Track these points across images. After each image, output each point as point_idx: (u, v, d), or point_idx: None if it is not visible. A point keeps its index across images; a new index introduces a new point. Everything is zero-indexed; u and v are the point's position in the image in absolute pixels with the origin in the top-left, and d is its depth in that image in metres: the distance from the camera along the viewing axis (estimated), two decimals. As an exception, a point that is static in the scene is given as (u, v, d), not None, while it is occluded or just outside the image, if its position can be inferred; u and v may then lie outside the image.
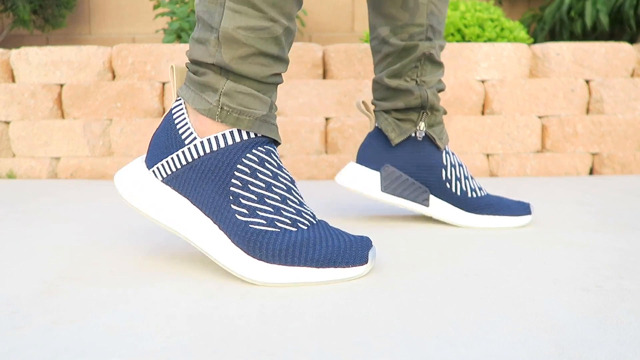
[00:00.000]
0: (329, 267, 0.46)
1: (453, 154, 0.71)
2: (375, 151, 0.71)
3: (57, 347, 0.33)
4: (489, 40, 1.36)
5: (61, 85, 1.31)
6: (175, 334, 0.35)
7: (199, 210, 0.47)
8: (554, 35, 1.75)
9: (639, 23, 1.56)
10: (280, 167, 0.48)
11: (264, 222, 0.45)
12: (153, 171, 0.49)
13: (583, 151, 1.29)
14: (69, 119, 1.30)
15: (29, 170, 1.31)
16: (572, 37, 1.70)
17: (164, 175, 0.48)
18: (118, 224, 0.73)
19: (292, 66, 1.29)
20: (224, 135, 0.46)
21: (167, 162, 0.48)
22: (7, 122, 1.32)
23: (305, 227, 0.47)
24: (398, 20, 0.67)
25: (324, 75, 1.33)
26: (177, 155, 0.47)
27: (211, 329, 0.36)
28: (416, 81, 0.69)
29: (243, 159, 0.46)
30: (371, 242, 0.49)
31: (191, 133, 0.47)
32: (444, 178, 0.69)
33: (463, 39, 1.37)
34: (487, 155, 1.30)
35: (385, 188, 0.69)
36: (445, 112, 0.72)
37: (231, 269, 0.46)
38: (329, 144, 1.29)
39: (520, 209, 0.69)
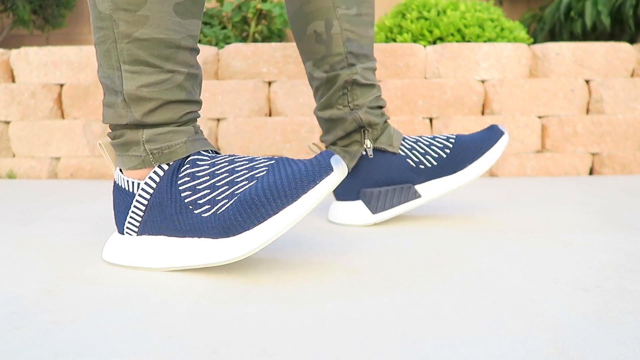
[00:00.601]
0: (299, 196, 0.44)
1: (405, 138, 0.72)
2: (344, 184, 0.72)
3: (57, 347, 0.33)
4: (489, 40, 1.36)
5: (61, 85, 1.31)
6: (175, 334, 0.35)
7: (177, 237, 0.49)
8: (554, 35, 1.75)
9: (639, 23, 1.56)
10: (213, 157, 0.50)
11: (227, 201, 0.46)
12: (126, 232, 0.52)
13: (583, 151, 1.29)
14: (69, 119, 1.30)
15: (29, 170, 1.31)
16: (572, 37, 1.70)
17: (135, 230, 0.51)
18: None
19: (292, 66, 1.29)
20: (160, 167, 0.50)
21: (130, 217, 0.51)
22: (7, 122, 1.32)
23: (264, 172, 0.47)
24: (317, 54, 0.69)
25: (324, 75, 1.33)
26: (134, 206, 0.50)
27: (211, 329, 0.36)
28: (349, 107, 0.70)
29: (179, 175, 0.49)
30: (332, 152, 0.47)
31: (134, 182, 0.50)
32: (414, 164, 0.70)
33: (463, 39, 1.37)
34: (487, 155, 1.30)
35: (374, 210, 0.70)
36: (388, 118, 0.72)
37: (226, 258, 0.46)
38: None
39: (494, 136, 0.70)
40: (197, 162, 0.49)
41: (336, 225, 0.71)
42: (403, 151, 0.70)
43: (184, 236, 0.48)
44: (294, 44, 1.29)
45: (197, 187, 0.48)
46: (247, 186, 0.46)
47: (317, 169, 0.45)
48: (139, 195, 0.50)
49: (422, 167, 0.70)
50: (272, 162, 0.48)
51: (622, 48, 1.29)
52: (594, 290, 0.44)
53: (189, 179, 0.48)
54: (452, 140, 0.70)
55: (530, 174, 1.29)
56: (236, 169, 0.48)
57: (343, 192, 0.73)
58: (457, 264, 0.52)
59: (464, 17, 1.37)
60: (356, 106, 0.70)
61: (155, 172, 0.49)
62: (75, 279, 0.47)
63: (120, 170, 0.52)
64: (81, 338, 0.35)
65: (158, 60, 0.48)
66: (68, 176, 1.31)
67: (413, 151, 0.70)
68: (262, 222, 0.45)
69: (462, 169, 0.69)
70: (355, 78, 0.68)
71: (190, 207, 0.47)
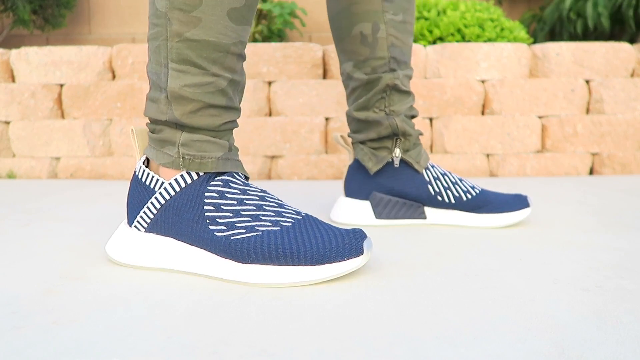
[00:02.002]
0: (324, 263, 0.45)
1: (434, 166, 0.72)
2: (359, 182, 0.72)
3: (57, 347, 0.33)
4: (489, 40, 1.36)
5: (61, 85, 1.31)
6: (175, 334, 0.35)
7: (184, 243, 0.49)
8: (554, 35, 1.75)
9: (638, 23, 1.56)
10: (246, 184, 0.50)
11: (244, 231, 0.47)
12: (135, 226, 0.52)
13: (583, 151, 1.29)
14: (69, 119, 1.30)
15: (29, 170, 1.31)
16: (572, 37, 1.70)
17: (145, 226, 0.51)
18: (118, 224, 0.73)
19: (292, 66, 1.29)
20: (189, 173, 0.49)
21: (144, 212, 0.51)
22: (7, 122, 1.32)
23: (289, 224, 0.48)
24: (360, 56, 0.69)
25: (324, 75, 1.33)
26: (151, 203, 0.50)
27: (211, 329, 0.36)
28: (385, 111, 0.70)
29: (209, 187, 0.49)
30: (364, 233, 0.48)
31: (158, 180, 0.50)
32: (433, 193, 0.70)
33: (463, 39, 1.37)
34: (487, 155, 1.30)
35: (379, 215, 0.71)
36: (421, 134, 0.72)
37: (229, 278, 0.46)
38: (329, 144, 1.29)
39: (519, 203, 0.70)
40: (230, 184, 0.49)
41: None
42: (427, 176, 0.71)
43: (192, 244, 0.49)
44: (294, 44, 1.29)
45: (221, 207, 0.48)
46: (269, 228, 0.47)
47: (348, 246, 0.46)
48: (160, 193, 0.50)
49: (439, 198, 0.70)
50: (300, 217, 0.49)
51: (622, 48, 1.29)
52: (594, 290, 0.44)
53: (217, 195, 0.49)
54: (477, 191, 0.71)
55: (530, 174, 1.29)
56: (264, 206, 0.49)
57: (355, 190, 0.73)
58: (457, 264, 0.52)
59: (464, 17, 1.37)
60: (392, 112, 0.70)
61: (182, 177, 0.49)
62: (75, 279, 0.47)
63: (144, 164, 0.53)
64: (81, 338, 0.35)
65: (205, 62, 0.48)
66: (68, 176, 1.31)
67: (437, 181, 0.70)
68: (275, 265, 0.46)
69: (477, 212, 0.70)
70: (396, 83, 0.69)
71: (208, 221, 0.48)
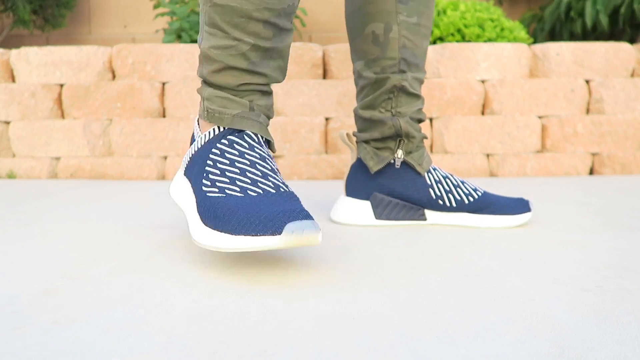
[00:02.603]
0: (239, 234, 0.44)
1: (435, 169, 0.72)
2: (360, 181, 0.72)
3: (57, 347, 0.33)
4: (489, 40, 1.36)
5: (61, 85, 1.31)
6: (175, 334, 0.35)
7: (191, 189, 0.54)
8: (554, 35, 1.75)
9: (636, 25, 1.56)
10: (251, 147, 0.53)
11: (217, 190, 0.50)
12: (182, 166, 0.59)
13: (583, 151, 1.29)
14: (69, 119, 1.30)
15: (29, 170, 1.31)
16: (572, 37, 1.70)
17: (184, 168, 0.57)
18: (118, 224, 0.73)
19: (292, 66, 1.29)
20: (213, 130, 0.55)
21: (186, 157, 0.57)
22: (7, 122, 1.32)
23: (256, 194, 0.48)
24: (370, 55, 0.69)
25: (324, 75, 1.33)
26: (190, 150, 0.57)
27: (211, 329, 0.36)
28: (391, 112, 0.70)
29: (217, 144, 0.53)
30: (304, 216, 0.44)
31: (197, 132, 0.58)
32: (434, 196, 0.70)
33: (463, 39, 1.37)
34: (487, 155, 1.30)
35: (378, 215, 0.71)
36: (425, 137, 0.72)
37: (192, 235, 0.50)
38: (329, 144, 1.29)
39: (520, 206, 0.70)
40: (235, 144, 0.52)
41: (337, 226, 0.71)
42: (429, 179, 0.70)
43: (194, 194, 0.53)
44: (294, 43, 1.29)
45: (217, 164, 0.51)
46: (235, 193, 0.49)
47: (270, 223, 0.43)
48: (195, 143, 0.56)
49: (440, 202, 0.70)
50: (273, 190, 0.49)
51: (622, 48, 1.29)
52: (594, 290, 0.44)
53: (219, 153, 0.52)
54: (480, 193, 0.70)
55: (530, 174, 1.29)
56: (248, 172, 0.50)
57: (355, 190, 0.73)
58: (457, 264, 0.52)
59: (464, 17, 1.37)
60: (398, 113, 0.70)
61: (209, 132, 0.54)
62: (75, 279, 0.47)
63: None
64: (81, 338, 0.35)
65: (227, 26, 0.52)
66: (68, 176, 1.31)
67: (439, 184, 0.70)
68: (211, 229, 0.47)
69: (477, 213, 0.70)
70: (403, 85, 0.68)
71: (204, 174, 0.52)
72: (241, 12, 0.51)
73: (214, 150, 0.52)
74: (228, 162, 0.51)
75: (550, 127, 1.28)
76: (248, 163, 0.51)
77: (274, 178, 0.50)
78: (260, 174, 0.50)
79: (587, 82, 1.30)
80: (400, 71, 0.69)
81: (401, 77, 0.68)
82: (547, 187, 1.07)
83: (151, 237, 0.64)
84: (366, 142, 0.72)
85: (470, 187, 0.71)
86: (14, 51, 1.31)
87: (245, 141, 0.53)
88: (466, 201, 0.70)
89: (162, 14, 1.54)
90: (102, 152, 1.30)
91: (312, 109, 1.28)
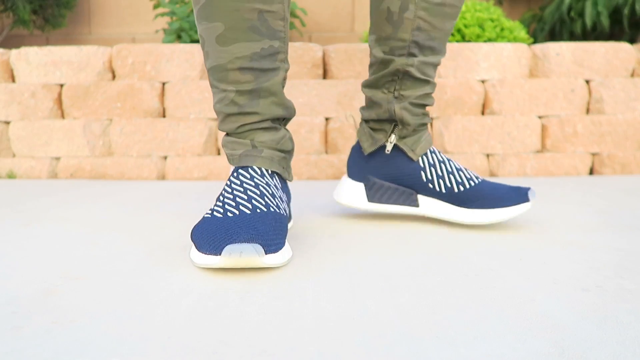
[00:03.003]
0: (199, 251, 0.49)
1: (434, 151, 0.69)
2: (357, 163, 0.72)
3: (57, 347, 0.33)
4: (489, 40, 1.36)
5: (61, 85, 1.31)
6: (175, 334, 0.35)
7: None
8: (554, 35, 1.75)
9: (636, 24, 1.56)
10: (251, 178, 0.58)
11: (209, 212, 0.55)
12: None
13: (583, 151, 1.29)
14: (69, 119, 1.30)
15: (29, 170, 1.31)
16: (572, 37, 1.70)
17: None
18: (118, 224, 0.73)
19: (292, 66, 1.29)
20: (232, 169, 0.63)
21: None
22: (7, 122, 1.32)
23: (232, 215, 0.53)
24: (382, 32, 0.67)
25: (324, 75, 1.33)
26: None
27: (211, 329, 0.36)
28: (393, 94, 0.68)
29: (229, 179, 0.60)
30: (247, 239, 0.47)
31: None
32: (424, 179, 0.69)
33: (463, 39, 1.37)
34: (487, 155, 1.30)
35: (371, 198, 0.70)
36: (426, 123, 0.70)
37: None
38: (329, 144, 1.29)
39: (515, 197, 0.65)
40: (239, 176, 0.59)
41: (336, 226, 0.71)
42: (423, 162, 0.69)
43: None
44: (294, 43, 1.29)
45: (223, 193, 0.57)
46: (217, 213, 0.54)
47: (213, 242, 0.48)
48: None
49: (430, 186, 0.68)
50: (248, 212, 0.53)
51: (622, 48, 1.29)
52: (594, 290, 0.44)
53: (228, 183, 0.59)
54: (474, 182, 0.67)
55: (530, 174, 1.29)
56: (237, 197, 0.56)
57: (353, 172, 0.73)
58: (457, 264, 0.52)
59: (464, 17, 1.37)
60: (401, 96, 0.67)
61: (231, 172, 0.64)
62: (75, 279, 0.47)
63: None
64: (81, 338, 0.35)
65: (217, 82, 0.60)
66: (68, 176, 1.31)
67: (432, 168, 0.68)
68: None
69: (467, 207, 0.67)
70: (408, 70, 0.65)
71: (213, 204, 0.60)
72: (220, 68, 0.59)
73: (226, 184, 0.60)
74: (230, 190, 0.57)
75: (550, 127, 1.28)
76: (242, 190, 0.57)
77: (257, 201, 0.55)
78: (246, 197, 0.55)
79: (587, 82, 1.30)
80: (410, 54, 0.65)
81: (407, 61, 0.65)
82: (547, 187, 1.07)
83: (151, 237, 0.64)
84: (366, 121, 0.72)
85: (466, 176, 0.68)
86: (14, 51, 1.31)
87: (249, 173, 0.59)
88: (456, 189, 0.67)
89: (162, 14, 1.54)
90: (102, 152, 1.30)
91: (312, 109, 1.28)
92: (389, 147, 0.69)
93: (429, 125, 0.71)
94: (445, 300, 0.42)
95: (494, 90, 1.28)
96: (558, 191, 1.02)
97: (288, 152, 0.65)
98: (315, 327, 0.36)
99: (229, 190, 0.57)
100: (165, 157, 1.30)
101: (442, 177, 0.68)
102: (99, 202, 0.92)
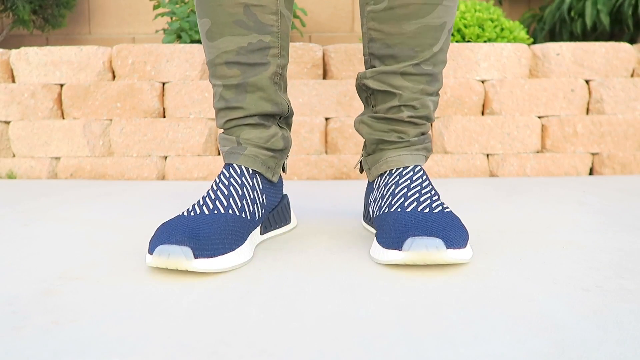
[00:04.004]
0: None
1: (393, 173, 0.60)
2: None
3: (57, 347, 0.33)
4: (489, 40, 1.36)
5: (61, 85, 1.31)
6: (175, 334, 0.35)
7: None
8: (554, 35, 1.75)
9: (637, 23, 1.56)
10: (230, 177, 0.58)
11: (186, 210, 0.55)
12: None
13: (583, 151, 1.29)
14: (69, 119, 1.30)
15: (29, 170, 1.31)
16: (572, 37, 1.70)
17: None
18: (118, 224, 0.73)
19: (292, 66, 1.29)
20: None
21: None
22: (7, 122, 1.32)
23: (193, 214, 0.53)
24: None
25: (324, 75, 1.33)
26: None
27: (211, 329, 0.36)
28: (371, 109, 0.64)
29: (217, 177, 0.60)
30: (178, 241, 0.47)
31: None
32: (368, 202, 0.65)
33: (463, 39, 1.37)
34: (487, 155, 1.30)
35: (364, 217, 0.70)
36: (387, 142, 0.62)
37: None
38: (329, 144, 1.29)
39: (393, 242, 0.50)
40: (221, 175, 0.59)
41: (336, 226, 0.71)
42: (377, 183, 0.62)
43: None
44: (294, 44, 1.29)
45: (208, 191, 0.57)
46: (185, 214, 0.54)
47: (153, 242, 0.49)
48: None
49: (369, 210, 0.63)
50: (207, 212, 0.53)
51: (622, 48, 1.29)
52: (594, 290, 0.44)
53: (214, 182, 0.58)
54: (386, 210, 0.56)
55: (530, 174, 1.29)
56: (206, 198, 0.55)
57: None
58: (457, 264, 0.52)
59: (464, 17, 1.37)
60: (377, 111, 0.63)
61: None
62: (75, 279, 0.47)
63: None
64: (81, 338, 0.35)
65: (210, 78, 0.61)
66: (68, 176, 1.31)
67: (376, 191, 0.61)
68: None
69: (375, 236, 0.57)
70: (363, 82, 0.62)
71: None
72: (211, 63, 0.60)
73: (214, 181, 0.59)
74: (211, 188, 0.57)
75: (550, 127, 1.28)
76: (214, 189, 0.57)
77: (220, 201, 0.55)
78: (213, 197, 0.55)
79: (587, 82, 1.30)
80: (370, 67, 0.62)
81: (364, 74, 0.62)
82: (547, 187, 1.07)
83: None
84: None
85: (391, 202, 0.57)
86: (13, 51, 1.31)
87: (229, 171, 0.59)
88: (372, 215, 0.61)
89: (162, 14, 1.54)
90: (102, 152, 1.30)
91: (312, 109, 1.28)
92: (357, 165, 0.68)
93: (412, 142, 0.62)
94: (445, 300, 0.42)
95: (494, 90, 1.28)
96: (558, 191, 1.02)
97: (279, 152, 0.62)
98: (315, 327, 0.36)
99: (210, 188, 0.58)
100: (165, 157, 1.30)
101: (375, 201, 0.61)
102: (99, 202, 0.92)
